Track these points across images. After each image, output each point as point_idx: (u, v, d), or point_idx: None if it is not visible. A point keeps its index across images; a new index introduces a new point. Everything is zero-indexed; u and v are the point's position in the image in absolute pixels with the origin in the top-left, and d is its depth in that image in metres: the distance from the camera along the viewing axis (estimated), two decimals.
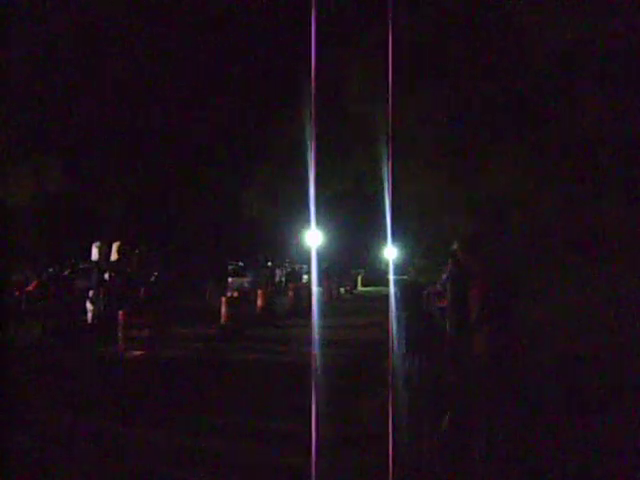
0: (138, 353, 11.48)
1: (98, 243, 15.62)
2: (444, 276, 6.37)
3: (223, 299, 15.33)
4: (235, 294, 16.00)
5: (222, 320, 14.99)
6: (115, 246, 15.68)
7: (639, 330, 8.72)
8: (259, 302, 18.34)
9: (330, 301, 26.24)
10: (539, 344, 7.82)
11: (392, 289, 5.54)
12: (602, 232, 10.56)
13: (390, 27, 3.70)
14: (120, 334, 11.62)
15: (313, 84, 3.34)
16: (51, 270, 15.74)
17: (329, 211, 20.85)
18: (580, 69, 10.70)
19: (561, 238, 11.47)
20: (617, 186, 10.72)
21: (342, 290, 32.78)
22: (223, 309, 15.03)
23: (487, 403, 4.78)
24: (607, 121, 10.49)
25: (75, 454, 5.95)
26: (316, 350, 3.30)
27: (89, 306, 14.86)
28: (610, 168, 10.67)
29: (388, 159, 3.85)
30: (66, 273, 15.37)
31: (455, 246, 6.06)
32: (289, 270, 37.11)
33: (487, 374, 4.85)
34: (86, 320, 14.61)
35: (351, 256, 36.38)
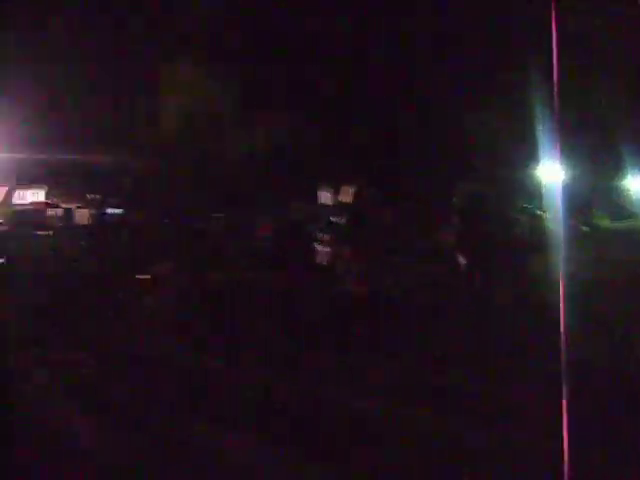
0: (358, 289, 11.71)
1: (324, 188, 16.24)
2: None
3: None
4: None
5: None
6: (346, 189, 16.13)
7: None
8: None
9: None
10: None
11: None
12: None
13: None
14: (338, 271, 12.00)
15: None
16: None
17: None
18: None
19: None
20: None
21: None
22: None
23: None
24: None
25: None
26: None
27: (319, 248, 15.51)
28: None
29: None
30: (297, 219, 16.25)
31: None
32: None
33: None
34: (315, 261, 15.26)
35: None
